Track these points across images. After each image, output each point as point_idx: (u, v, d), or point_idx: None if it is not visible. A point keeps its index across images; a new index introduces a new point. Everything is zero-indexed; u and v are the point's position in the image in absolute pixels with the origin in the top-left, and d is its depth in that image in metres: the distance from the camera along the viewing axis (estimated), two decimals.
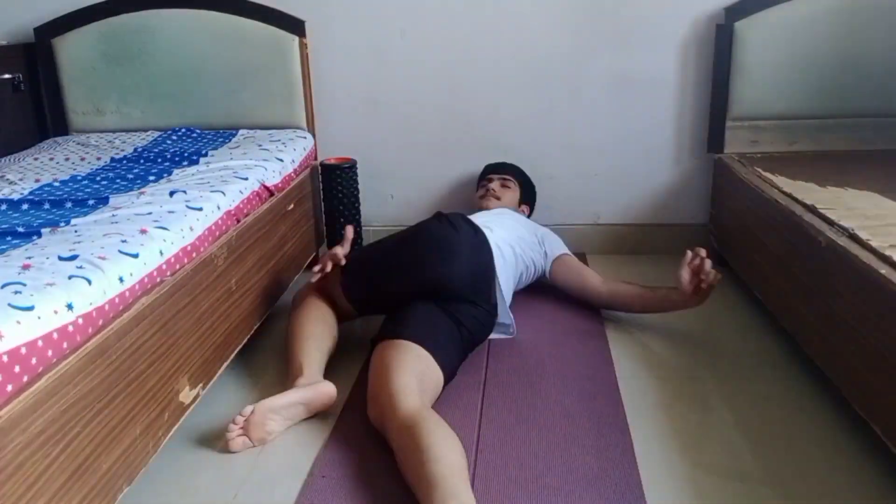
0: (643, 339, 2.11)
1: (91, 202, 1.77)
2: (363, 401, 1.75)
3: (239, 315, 1.85)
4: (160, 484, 1.51)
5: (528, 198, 2.62)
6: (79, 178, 2.03)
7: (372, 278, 1.97)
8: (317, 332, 1.88)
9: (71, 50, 2.65)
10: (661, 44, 2.62)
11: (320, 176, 2.64)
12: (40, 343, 1.12)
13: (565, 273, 2.28)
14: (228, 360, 1.79)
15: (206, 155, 2.28)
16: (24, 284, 1.20)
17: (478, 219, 2.13)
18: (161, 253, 1.51)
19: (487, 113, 2.74)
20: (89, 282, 1.27)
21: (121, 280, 1.35)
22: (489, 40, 2.67)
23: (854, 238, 1.65)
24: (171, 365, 1.49)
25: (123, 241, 1.45)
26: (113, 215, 1.64)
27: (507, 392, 1.81)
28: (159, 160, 2.23)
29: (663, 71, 2.64)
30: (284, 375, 1.95)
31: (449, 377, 1.75)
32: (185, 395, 1.55)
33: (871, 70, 2.50)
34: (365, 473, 1.51)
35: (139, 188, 1.89)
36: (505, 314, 2.01)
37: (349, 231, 2.01)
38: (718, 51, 2.55)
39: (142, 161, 2.23)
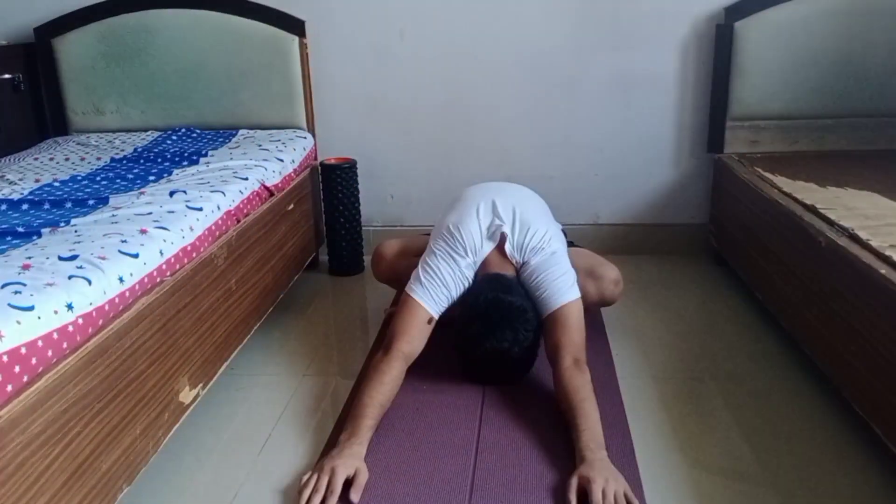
0: (643, 339, 2.11)
1: (91, 202, 1.77)
2: None
3: (239, 315, 1.85)
4: (160, 484, 1.51)
5: None
6: (79, 178, 2.03)
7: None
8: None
9: (71, 50, 2.65)
10: (661, 44, 2.62)
11: (320, 176, 2.64)
12: (40, 343, 1.12)
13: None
14: (228, 360, 1.79)
15: (206, 155, 2.27)
16: (24, 284, 1.20)
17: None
18: (161, 253, 1.51)
19: (487, 113, 2.74)
20: (89, 282, 1.27)
21: (121, 280, 1.35)
22: (489, 40, 2.67)
23: (854, 238, 1.65)
24: (171, 365, 1.49)
25: (123, 241, 1.45)
26: (113, 215, 1.64)
27: (506, 392, 1.81)
28: (159, 160, 2.23)
29: (663, 71, 2.64)
30: (285, 375, 1.96)
31: None
32: (185, 395, 1.55)
33: (871, 70, 2.50)
34: None
35: (139, 188, 1.89)
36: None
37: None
38: (718, 51, 2.55)
39: (142, 161, 2.23)
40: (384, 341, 1.77)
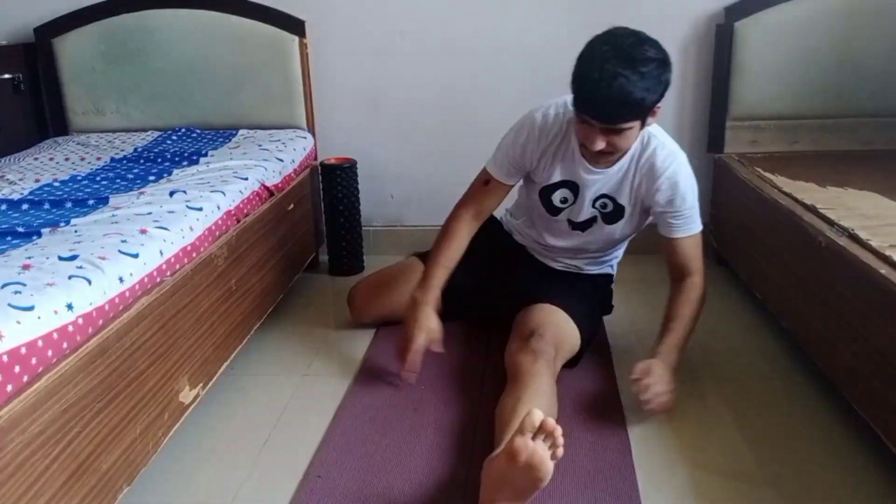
0: (643, 339, 2.11)
1: (91, 202, 1.77)
2: (359, 403, 1.75)
3: (239, 315, 1.85)
4: (160, 484, 1.51)
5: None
6: (79, 178, 2.03)
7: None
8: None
9: (71, 50, 2.65)
10: (661, 44, 2.62)
11: (320, 176, 2.64)
12: (40, 343, 1.12)
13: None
14: (228, 360, 1.79)
15: (206, 155, 2.28)
16: (24, 284, 1.20)
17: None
18: (161, 253, 1.51)
19: (487, 112, 2.73)
20: (89, 282, 1.27)
21: (121, 280, 1.35)
22: (489, 40, 2.66)
23: (854, 238, 1.65)
24: (171, 365, 1.49)
25: (123, 241, 1.45)
26: (113, 215, 1.64)
27: None
28: (159, 160, 2.23)
29: None
30: (285, 375, 1.96)
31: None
32: (185, 395, 1.55)
33: (871, 70, 2.50)
34: (360, 474, 1.51)
35: (139, 188, 1.89)
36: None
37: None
38: (718, 51, 2.55)
39: (142, 161, 2.23)
40: None
